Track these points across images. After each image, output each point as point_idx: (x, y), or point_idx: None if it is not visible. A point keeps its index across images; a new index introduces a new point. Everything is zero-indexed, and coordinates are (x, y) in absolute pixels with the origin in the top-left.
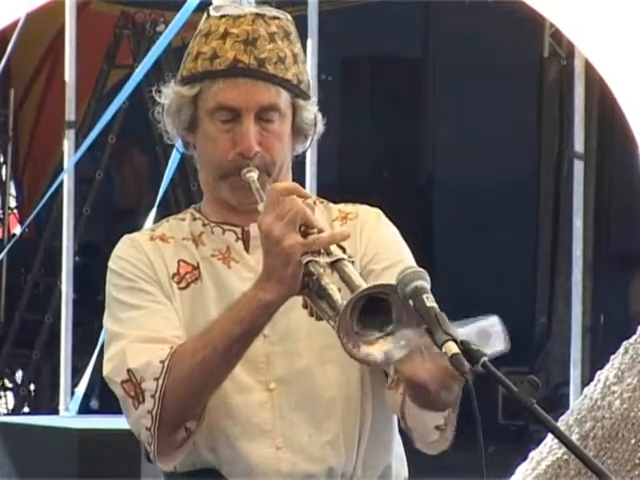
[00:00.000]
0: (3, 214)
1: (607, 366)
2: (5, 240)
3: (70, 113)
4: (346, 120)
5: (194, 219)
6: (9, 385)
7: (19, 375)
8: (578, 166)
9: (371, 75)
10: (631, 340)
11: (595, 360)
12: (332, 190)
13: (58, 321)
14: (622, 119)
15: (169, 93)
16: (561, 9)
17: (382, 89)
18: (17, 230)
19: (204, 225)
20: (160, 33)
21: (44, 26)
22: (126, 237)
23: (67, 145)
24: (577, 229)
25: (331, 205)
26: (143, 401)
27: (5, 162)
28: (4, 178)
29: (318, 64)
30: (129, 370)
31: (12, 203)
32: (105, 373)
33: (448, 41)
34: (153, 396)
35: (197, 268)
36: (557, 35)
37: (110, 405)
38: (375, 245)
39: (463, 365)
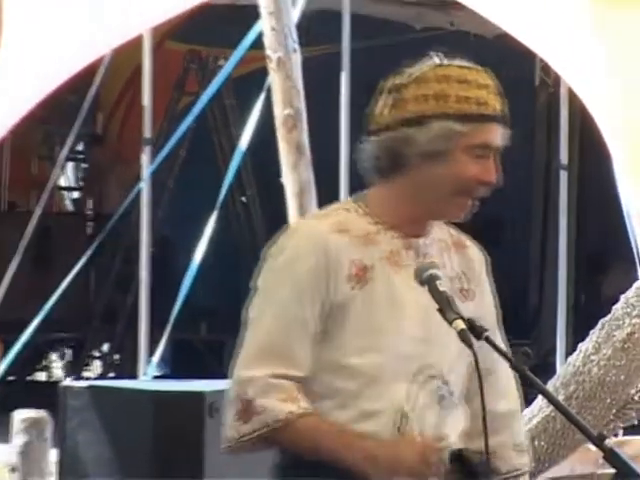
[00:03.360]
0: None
1: (587, 339)
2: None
3: (147, 131)
4: None
5: (361, 215)
6: (97, 355)
7: (106, 346)
8: (563, 176)
9: None
10: (607, 318)
11: (577, 334)
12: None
13: (137, 301)
14: (599, 136)
15: (433, 127)
16: (549, 46)
17: None
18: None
19: (375, 224)
20: (221, 67)
21: (126, 60)
22: (305, 228)
23: (145, 158)
24: (562, 227)
25: (452, 231)
26: (245, 423)
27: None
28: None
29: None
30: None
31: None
32: (236, 372)
33: None
34: (255, 431)
35: (369, 269)
36: (546, 67)
37: (178, 371)
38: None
39: (469, 338)
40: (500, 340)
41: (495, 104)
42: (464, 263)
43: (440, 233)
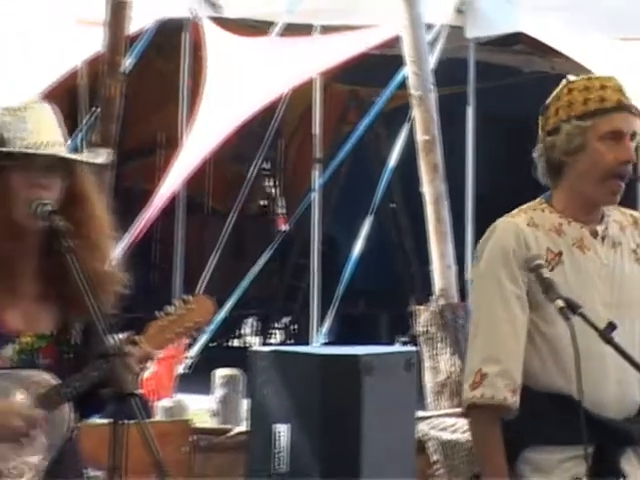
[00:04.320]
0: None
1: None
2: (277, 233)
3: (317, 153)
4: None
5: (549, 212)
6: (279, 326)
7: (286, 320)
8: None
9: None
10: None
11: None
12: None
13: (310, 285)
14: None
15: (564, 129)
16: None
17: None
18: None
19: (561, 218)
20: (374, 103)
21: (301, 97)
22: (502, 225)
23: (315, 174)
24: None
25: (623, 210)
26: (475, 388)
27: (275, 185)
28: (275, 195)
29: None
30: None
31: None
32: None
33: None
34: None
35: (560, 254)
36: None
37: (342, 339)
38: None
39: (567, 314)
40: None
41: (615, 98)
42: None
43: (618, 216)
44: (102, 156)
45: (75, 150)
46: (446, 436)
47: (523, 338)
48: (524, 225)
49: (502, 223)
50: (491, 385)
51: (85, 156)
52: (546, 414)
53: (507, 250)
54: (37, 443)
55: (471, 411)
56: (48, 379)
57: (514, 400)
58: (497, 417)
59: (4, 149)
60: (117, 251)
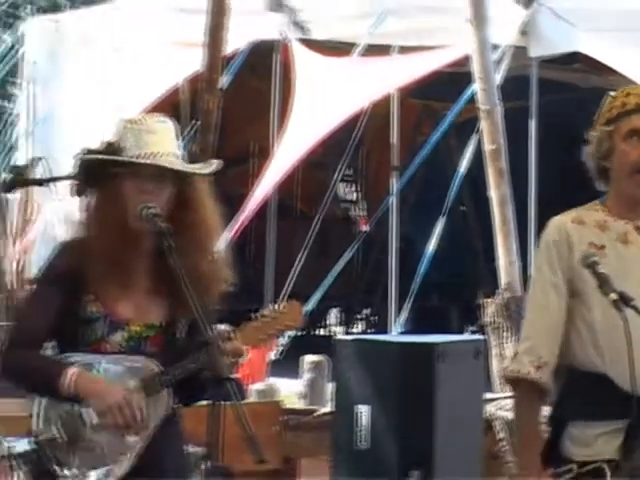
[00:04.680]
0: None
1: None
2: (358, 233)
3: (395, 161)
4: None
5: (599, 211)
6: (361, 317)
7: (367, 311)
8: None
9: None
10: None
11: None
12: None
13: (388, 279)
14: None
15: (593, 137)
16: None
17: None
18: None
19: (607, 216)
20: (446, 116)
21: (380, 110)
22: (552, 222)
23: (393, 180)
24: None
25: None
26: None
27: (357, 190)
28: (356, 199)
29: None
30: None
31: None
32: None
33: None
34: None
35: (603, 247)
36: None
37: (417, 328)
38: None
39: (621, 307)
40: None
41: (634, 101)
42: None
43: None
44: (211, 167)
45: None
46: (511, 416)
47: (555, 321)
48: (569, 221)
49: (552, 220)
50: (519, 361)
51: (194, 167)
52: (585, 392)
53: (549, 243)
54: (136, 425)
55: (510, 386)
56: (152, 366)
57: (538, 375)
58: (529, 392)
59: (117, 158)
60: (224, 252)
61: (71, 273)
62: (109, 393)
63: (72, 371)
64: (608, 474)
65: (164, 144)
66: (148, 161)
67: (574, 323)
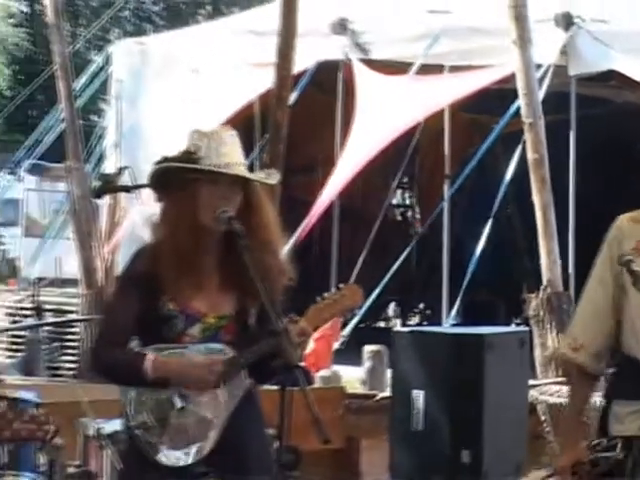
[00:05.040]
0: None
1: None
2: (414, 235)
3: (447, 169)
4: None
5: None
6: (416, 310)
7: (421, 305)
8: None
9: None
10: None
11: None
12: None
13: (441, 276)
14: None
15: None
16: None
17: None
18: (419, 230)
19: None
20: (493, 128)
21: (433, 124)
22: (616, 221)
23: (445, 187)
24: None
25: None
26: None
27: (412, 196)
28: (411, 204)
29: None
30: None
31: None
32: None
33: None
34: None
35: None
36: None
37: (468, 321)
38: None
39: None
40: None
41: None
42: None
43: None
44: (274, 177)
45: (250, 168)
46: (552, 400)
47: (598, 310)
48: (627, 220)
49: (617, 220)
50: (562, 345)
51: (262, 177)
52: (624, 373)
53: (607, 240)
54: (218, 402)
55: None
56: (227, 351)
57: (574, 356)
58: (570, 371)
59: (197, 166)
60: (286, 249)
61: (147, 276)
62: (190, 361)
63: (151, 357)
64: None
65: (235, 155)
66: (226, 170)
67: (622, 314)
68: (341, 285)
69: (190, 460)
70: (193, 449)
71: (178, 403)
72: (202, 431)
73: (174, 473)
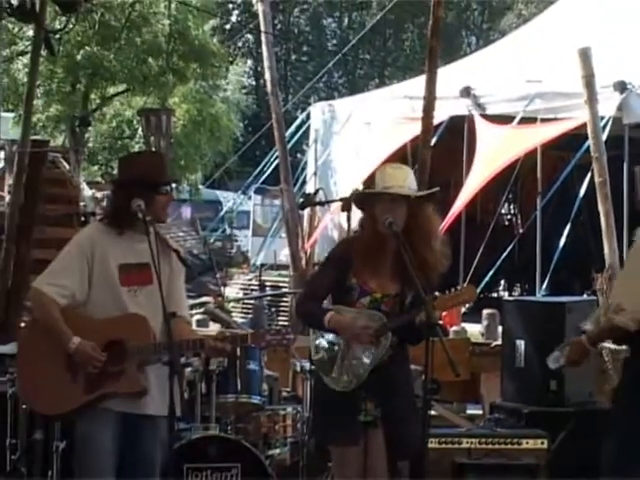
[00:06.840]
0: (514, 222)
1: None
2: (516, 234)
3: (539, 189)
4: None
5: None
6: (518, 286)
7: (521, 283)
8: None
9: None
10: None
11: None
12: None
13: (535, 264)
14: None
15: None
16: None
17: None
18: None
19: None
20: (571, 160)
21: (530, 158)
22: None
23: (538, 200)
24: None
25: None
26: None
27: (515, 207)
28: (514, 213)
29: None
30: None
31: (518, 221)
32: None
33: None
34: None
35: None
36: None
37: (554, 293)
38: None
39: None
40: None
41: None
42: None
43: None
44: (424, 192)
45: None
46: (613, 346)
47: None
48: None
49: None
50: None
51: (416, 193)
52: None
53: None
54: (368, 353)
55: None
56: (382, 317)
57: (616, 317)
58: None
59: (374, 191)
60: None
61: (343, 258)
62: (354, 322)
63: (330, 313)
64: None
65: (398, 180)
66: (386, 190)
67: None
68: (464, 285)
69: (352, 387)
70: (354, 380)
71: (342, 345)
72: (358, 366)
73: (343, 395)
